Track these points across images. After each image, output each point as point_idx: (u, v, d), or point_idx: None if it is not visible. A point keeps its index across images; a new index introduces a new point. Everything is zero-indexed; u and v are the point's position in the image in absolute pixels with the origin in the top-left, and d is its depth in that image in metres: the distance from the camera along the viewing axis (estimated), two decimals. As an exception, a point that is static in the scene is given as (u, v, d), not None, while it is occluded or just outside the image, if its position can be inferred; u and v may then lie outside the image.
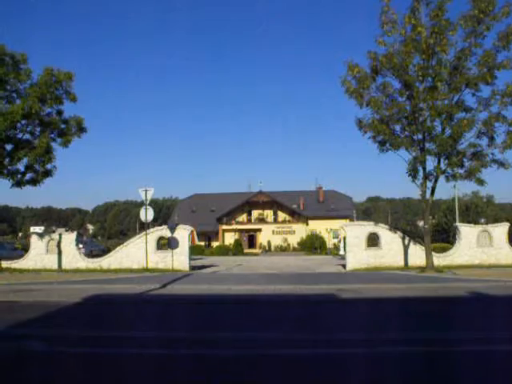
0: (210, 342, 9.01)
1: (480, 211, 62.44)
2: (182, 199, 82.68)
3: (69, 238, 28.53)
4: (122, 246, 29.42)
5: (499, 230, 27.56)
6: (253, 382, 6.64)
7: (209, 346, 8.63)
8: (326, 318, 12.11)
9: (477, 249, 27.13)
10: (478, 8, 20.77)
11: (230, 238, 64.07)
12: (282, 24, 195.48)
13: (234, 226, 66.19)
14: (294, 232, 65.50)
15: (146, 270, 26.02)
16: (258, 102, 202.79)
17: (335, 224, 57.13)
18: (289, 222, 66.58)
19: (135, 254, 27.74)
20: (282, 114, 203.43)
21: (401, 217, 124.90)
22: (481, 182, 22.30)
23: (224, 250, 56.11)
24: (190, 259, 29.14)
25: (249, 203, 66.66)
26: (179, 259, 27.33)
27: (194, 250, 44.53)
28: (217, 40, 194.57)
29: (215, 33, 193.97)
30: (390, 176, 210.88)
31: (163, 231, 28.50)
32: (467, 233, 27.50)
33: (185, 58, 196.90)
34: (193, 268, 28.49)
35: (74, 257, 28.21)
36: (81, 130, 26.36)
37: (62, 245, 28.10)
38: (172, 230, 27.91)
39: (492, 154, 22.24)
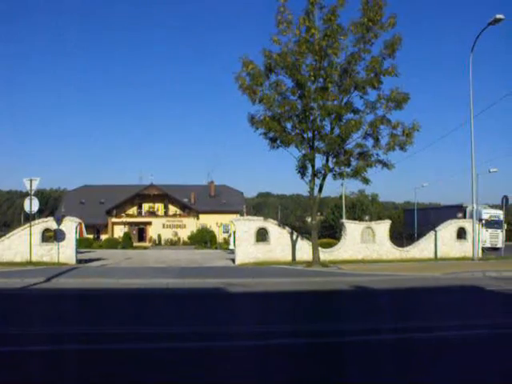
0: (91, 336, 8.74)
1: (365, 209, 65.69)
2: (70, 190, 79.53)
3: None
4: (3, 237, 27.77)
5: (382, 227, 29.07)
6: (134, 376, 6.54)
7: (92, 341, 8.37)
8: (214, 312, 12.15)
9: (361, 244, 28.32)
10: (367, 16, 21.68)
11: (119, 231, 62.56)
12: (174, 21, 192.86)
13: (124, 219, 64.76)
14: (185, 226, 65.32)
15: (30, 263, 24.71)
16: (145, 93, 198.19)
17: (226, 219, 57.48)
18: (180, 215, 66.26)
19: (18, 247, 26.30)
20: (172, 108, 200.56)
21: (290, 213, 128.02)
22: (366, 181, 23.40)
23: (113, 243, 54.78)
24: (78, 252, 28.24)
25: (139, 196, 65.51)
26: (65, 252, 26.25)
27: (82, 243, 43.14)
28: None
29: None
30: (280, 173, 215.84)
31: (49, 223, 27.29)
32: (352, 229, 28.66)
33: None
34: (80, 261, 27.51)
35: None
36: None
37: None
38: (58, 221, 26.74)
39: (377, 154, 23.33)
